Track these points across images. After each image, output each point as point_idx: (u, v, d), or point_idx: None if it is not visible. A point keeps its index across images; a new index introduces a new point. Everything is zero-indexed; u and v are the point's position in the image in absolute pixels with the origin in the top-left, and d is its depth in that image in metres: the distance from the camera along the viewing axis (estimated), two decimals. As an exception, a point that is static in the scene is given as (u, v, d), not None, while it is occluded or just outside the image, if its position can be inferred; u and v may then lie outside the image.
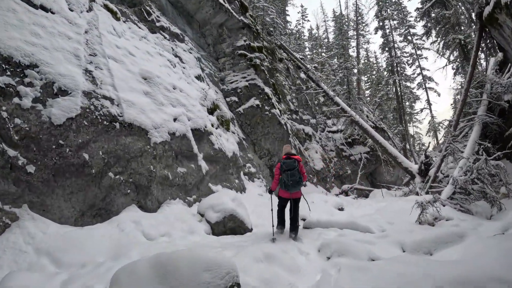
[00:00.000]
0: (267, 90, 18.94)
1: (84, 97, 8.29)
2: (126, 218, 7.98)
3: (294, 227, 7.79)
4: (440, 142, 22.24)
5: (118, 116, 8.81)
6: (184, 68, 14.45)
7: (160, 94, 10.72)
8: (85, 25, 9.82)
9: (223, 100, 17.99)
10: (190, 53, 16.49)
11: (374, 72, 50.97)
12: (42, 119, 7.11)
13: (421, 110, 36.29)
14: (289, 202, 7.94)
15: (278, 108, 19.38)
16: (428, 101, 36.64)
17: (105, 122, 8.42)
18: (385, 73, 38.26)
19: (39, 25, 8.26)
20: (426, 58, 37.93)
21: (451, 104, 43.86)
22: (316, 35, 52.09)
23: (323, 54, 43.08)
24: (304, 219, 10.46)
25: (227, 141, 13.44)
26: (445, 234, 7.10)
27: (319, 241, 7.66)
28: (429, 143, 21.93)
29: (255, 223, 9.90)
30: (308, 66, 28.51)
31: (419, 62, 36.63)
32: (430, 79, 36.26)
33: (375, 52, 69.97)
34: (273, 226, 8.01)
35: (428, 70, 36.75)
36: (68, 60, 8.44)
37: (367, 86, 49.77)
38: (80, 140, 7.68)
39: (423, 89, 36.68)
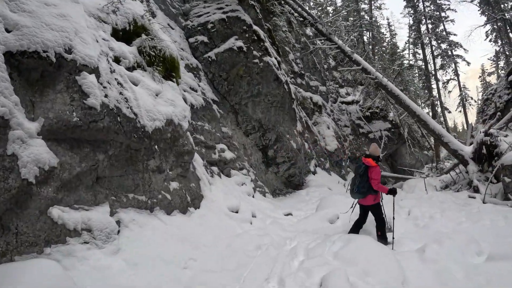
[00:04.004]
0: (257, 28, 11.01)
1: None
2: None
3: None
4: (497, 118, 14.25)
5: None
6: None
7: None
8: None
9: (185, 42, 10.17)
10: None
11: (384, 44, 42.84)
12: None
13: (447, 81, 28.01)
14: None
15: (275, 57, 11.45)
16: (455, 71, 28.46)
17: None
18: (410, 33, 29.62)
19: None
20: (452, 21, 29.08)
21: (482, 73, 35.63)
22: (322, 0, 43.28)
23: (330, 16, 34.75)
24: None
25: (154, 98, 5.59)
26: None
27: None
28: (499, 115, 13.99)
29: None
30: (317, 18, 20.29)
31: (444, 25, 28.22)
32: (458, 45, 27.80)
33: (388, 19, 60.28)
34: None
35: (455, 35, 28.08)
36: None
37: (376, 59, 41.51)
38: None
39: (448, 57, 28.36)
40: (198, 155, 7.39)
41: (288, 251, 5.10)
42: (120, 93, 4.82)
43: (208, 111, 8.87)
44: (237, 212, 6.60)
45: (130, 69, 5.70)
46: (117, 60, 5.40)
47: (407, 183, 15.02)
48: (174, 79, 6.94)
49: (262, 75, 10.39)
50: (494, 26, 28.75)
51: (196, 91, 8.75)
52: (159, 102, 5.61)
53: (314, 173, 14.23)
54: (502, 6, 22.82)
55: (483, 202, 10.19)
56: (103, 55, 4.93)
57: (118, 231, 4.20)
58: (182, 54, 9.56)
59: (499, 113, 14.16)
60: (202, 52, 10.24)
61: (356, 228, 6.41)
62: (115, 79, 4.93)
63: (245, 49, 10.24)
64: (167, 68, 6.72)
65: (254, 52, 10.39)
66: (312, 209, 9.06)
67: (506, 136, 12.24)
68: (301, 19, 20.37)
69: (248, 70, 10.20)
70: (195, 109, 8.39)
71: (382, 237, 6.11)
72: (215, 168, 8.16)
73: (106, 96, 4.47)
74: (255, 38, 10.64)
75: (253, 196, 8.78)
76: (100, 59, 4.74)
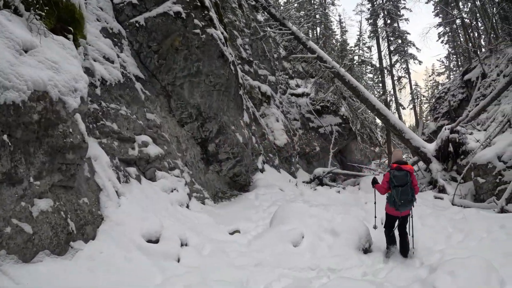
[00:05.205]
0: (201, -6, 8.81)
1: None
2: None
3: (404, 248, 5.78)
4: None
5: None
6: None
7: None
8: None
9: (107, 2, 7.79)
10: None
11: (333, 41, 42.42)
12: None
13: (399, 78, 27.69)
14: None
15: (221, 32, 9.33)
16: (407, 69, 28.82)
17: None
18: (364, 29, 28.86)
19: None
20: (407, 20, 28.66)
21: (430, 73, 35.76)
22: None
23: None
24: None
25: (18, 55, 3.26)
26: None
27: None
28: (470, 111, 13.07)
29: None
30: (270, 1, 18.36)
31: (398, 24, 27.67)
32: (411, 43, 27.43)
33: (340, 15, 59.76)
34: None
35: (408, 33, 27.83)
36: None
37: (327, 53, 40.72)
38: None
39: (400, 53, 27.99)
40: (102, 152, 5.03)
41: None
42: None
43: (127, 90, 6.56)
44: (157, 241, 4.33)
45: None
46: None
47: (364, 181, 13.75)
48: (71, 36, 4.61)
49: (203, 49, 8.20)
50: (448, 28, 28.80)
51: (112, 62, 6.41)
52: (25, 61, 3.28)
53: (262, 170, 12.42)
54: (457, 9, 22.56)
55: (452, 204, 9.14)
56: None
57: None
58: (99, 14, 7.14)
59: (469, 109, 13.23)
60: (128, 16, 7.84)
61: (394, 237, 5.98)
62: None
63: (184, 15, 8.00)
64: (61, 18, 4.38)
65: (196, 21, 8.18)
66: (264, 219, 7.11)
67: (471, 133, 11.32)
68: (253, 2, 18.47)
69: (186, 42, 7.97)
70: (108, 86, 6.04)
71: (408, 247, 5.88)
72: (132, 170, 5.87)
73: None
74: (198, 4, 8.43)
75: (187, 206, 6.62)
76: None
